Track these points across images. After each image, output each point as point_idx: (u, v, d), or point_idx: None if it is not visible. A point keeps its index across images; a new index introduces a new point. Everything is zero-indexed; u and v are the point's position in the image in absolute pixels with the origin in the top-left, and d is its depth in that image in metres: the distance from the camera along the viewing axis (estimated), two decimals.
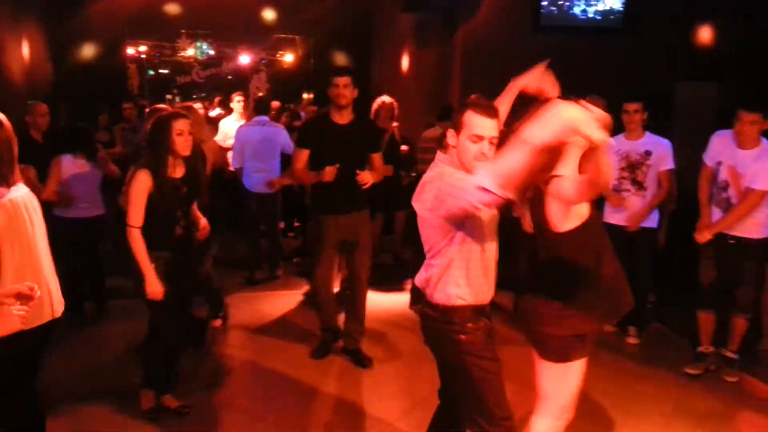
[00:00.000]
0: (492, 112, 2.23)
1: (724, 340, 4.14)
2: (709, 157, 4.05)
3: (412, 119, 7.78)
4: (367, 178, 3.96)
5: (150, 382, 3.49)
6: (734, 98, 4.14)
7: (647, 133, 4.47)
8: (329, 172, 3.90)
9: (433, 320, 2.37)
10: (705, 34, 7.62)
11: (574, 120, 1.88)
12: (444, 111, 5.78)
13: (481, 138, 2.21)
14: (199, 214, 3.64)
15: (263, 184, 5.72)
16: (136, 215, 3.20)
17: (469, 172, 2.21)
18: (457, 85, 7.81)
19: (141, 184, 3.20)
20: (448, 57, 7.92)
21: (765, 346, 4.42)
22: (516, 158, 1.89)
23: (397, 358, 4.38)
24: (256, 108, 6.11)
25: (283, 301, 5.41)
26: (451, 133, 2.26)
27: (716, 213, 3.99)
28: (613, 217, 4.47)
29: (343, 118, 3.94)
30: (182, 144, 3.25)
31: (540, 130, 1.88)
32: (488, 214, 2.30)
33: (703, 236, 3.95)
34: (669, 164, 4.39)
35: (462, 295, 2.30)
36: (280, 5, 10.06)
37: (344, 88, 3.86)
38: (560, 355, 2.44)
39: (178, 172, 3.33)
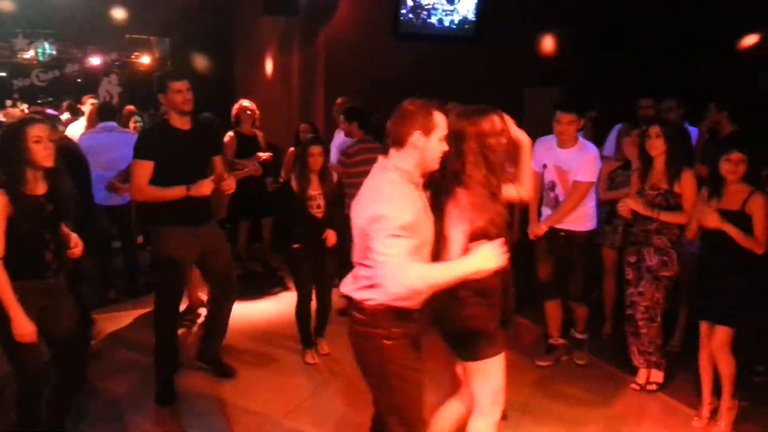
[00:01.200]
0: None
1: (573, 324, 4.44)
2: (535, 162, 4.30)
3: (278, 124, 7.66)
4: (232, 184, 3.84)
5: None
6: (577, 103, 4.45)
7: None
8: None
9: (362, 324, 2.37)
10: (550, 42, 8.23)
11: (484, 270, 2.23)
12: (358, 113, 5.27)
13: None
14: (67, 231, 3.11)
15: (113, 195, 5.33)
16: None
17: (430, 169, 2.34)
18: (321, 90, 7.80)
19: None
20: (312, 61, 7.89)
21: (608, 330, 4.82)
22: (445, 278, 2.22)
23: (269, 368, 4.31)
24: (100, 113, 5.65)
25: (144, 319, 5.04)
26: (418, 135, 2.27)
27: (546, 212, 4.28)
28: None
29: (185, 124, 3.69)
30: (42, 153, 2.78)
31: (470, 268, 2.20)
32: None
33: (540, 229, 4.22)
34: None
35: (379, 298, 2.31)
36: (132, 4, 9.47)
37: (189, 92, 3.63)
38: (474, 354, 2.54)
39: (39, 188, 2.86)
